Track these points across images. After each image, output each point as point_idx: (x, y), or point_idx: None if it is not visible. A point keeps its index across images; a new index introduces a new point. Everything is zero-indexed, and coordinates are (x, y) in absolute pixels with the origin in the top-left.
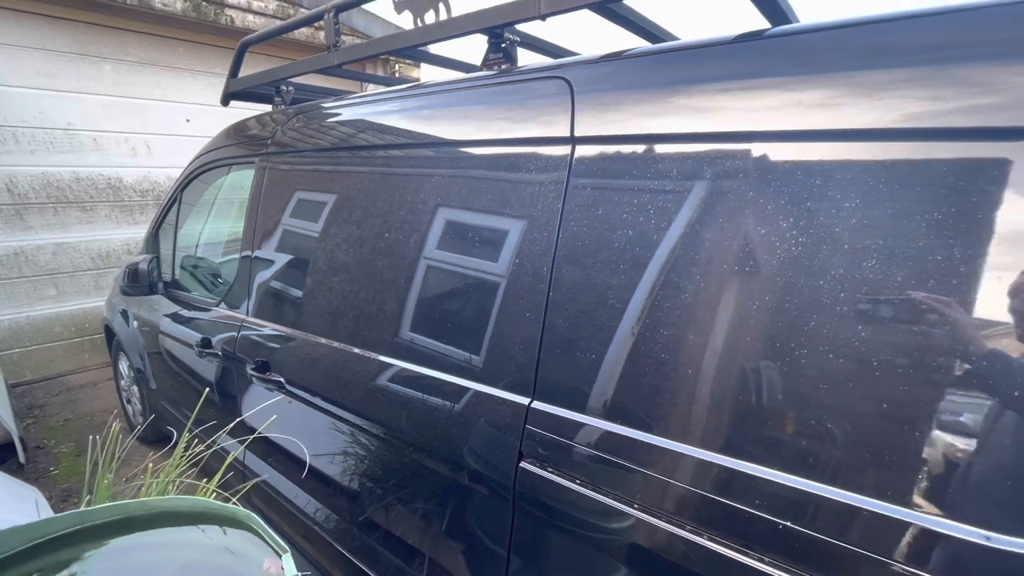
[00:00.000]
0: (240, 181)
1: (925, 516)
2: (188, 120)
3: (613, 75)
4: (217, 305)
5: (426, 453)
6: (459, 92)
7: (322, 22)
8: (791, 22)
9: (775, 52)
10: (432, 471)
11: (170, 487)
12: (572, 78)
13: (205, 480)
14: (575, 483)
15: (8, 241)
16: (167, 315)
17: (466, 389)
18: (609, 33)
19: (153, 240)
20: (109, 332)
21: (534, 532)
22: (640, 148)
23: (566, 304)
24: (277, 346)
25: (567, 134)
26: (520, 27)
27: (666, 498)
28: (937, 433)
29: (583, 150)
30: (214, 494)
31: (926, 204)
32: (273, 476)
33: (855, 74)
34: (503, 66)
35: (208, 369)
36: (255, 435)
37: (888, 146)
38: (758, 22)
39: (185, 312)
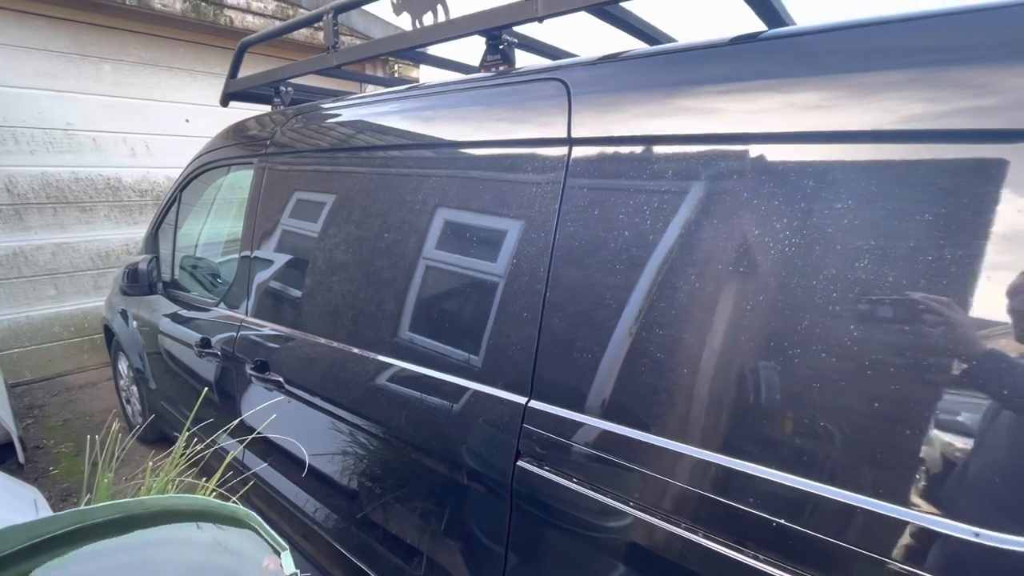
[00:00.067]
0: (239, 181)
1: (916, 513)
2: (187, 120)
3: (609, 77)
4: (216, 305)
5: (424, 452)
6: (457, 93)
7: (321, 23)
8: (786, 24)
9: (770, 54)
10: (430, 470)
11: (169, 486)
12: (569, 80)
13: (205, 479)
14: (572, 482)
15: (7, 241)
16: (166, 315)
17: (464, 388)
18: (606, 34)
19: (152, 240)
20: (108, 332)
21: (531, 530)
22: (636, 149)
23: (563, 304)
24: (276, 346)
25: (564, 135)
26: (518, 29)
27: (661, 496)
28: (928, 431)
29: (580, 151)
30: (213, 493)
31: (922, 205)
32: (272, 476)
33: (851, 76)
34: (501, 68)
35: (207, 369)
36: (254, 435)
37: (884, 148)
38: (754, 25)
39: (184, 312)
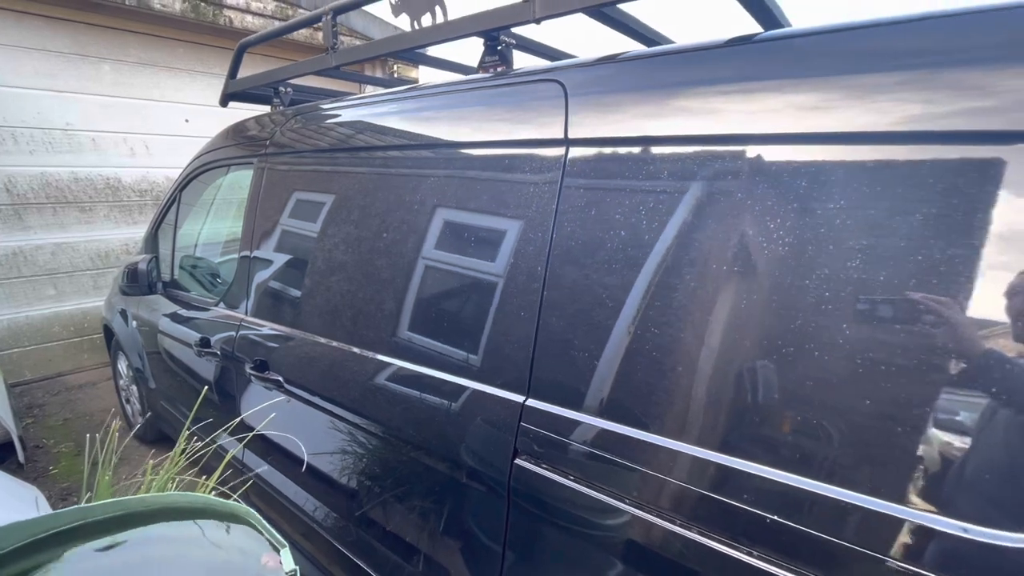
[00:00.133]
0: (239, 181)
1: (905, 509)
2: (187, 120)
3: (606, 78)
4: (216, 305)
5: (422, 450)
6: (455, 94)
7: (320, 24)
8: (782, 26)
9: (766, 56)
10: (428, 468)
11: (170, 484)
12: (566, 81)
13: (204, 478)
14: (568, 479)
15: (7, 241)
16: (166, 315)
17: (462, 387)
18: (604, 35)
19: (152, 240)
20: (108, 332)
21: (529, 528)
22: (632, 150)
23: (560, 303)
24: (276, 345)
25: (561, 136)
26: (515, 30)
27: (657, 494)
28: (919, 429)
29: (577, 152)
30: (213, 491)
31: (918, 206)
32: (272, 474)
33: (849, 78)
34: (499, 69)
35: (207, 368)
36: (253, 433)
37: (881, 149)
38: (750, 27)
39: (184, 312)
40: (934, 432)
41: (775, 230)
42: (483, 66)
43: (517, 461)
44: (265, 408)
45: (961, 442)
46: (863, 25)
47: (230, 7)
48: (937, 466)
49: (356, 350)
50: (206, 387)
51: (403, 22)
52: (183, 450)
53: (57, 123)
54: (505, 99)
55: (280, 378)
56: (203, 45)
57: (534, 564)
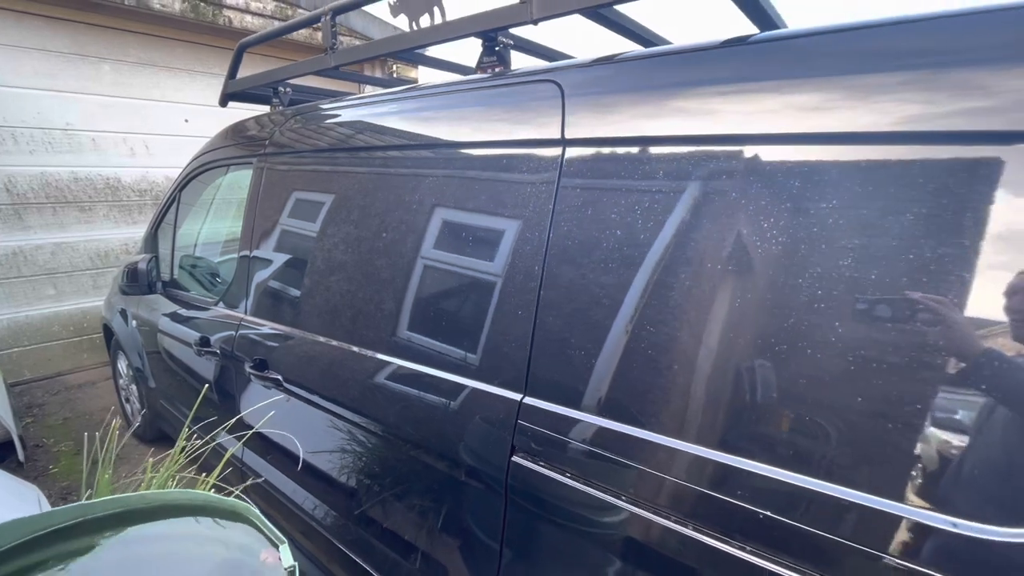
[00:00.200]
0: (238, 181)
1: (893, 503)
2: (187, 120)
3: (602, 79)
4: (215, 304)
5: (420, 448)
6: (453, 95)
7: (319, 24)
8: (777, 27)
9: (762, 56)
10: (426, 465)
11: (170, 482)
12: (562, 82)
13: (204, 475)
14: (565, 476)
15: (7, 241)
16: (166, 314)
17: (460, 385)
18: (601, 36)
19: (152, 240)
20: (108, 331)
21: (525, 525)
22: (628, 150)
23: (557, 302)
24: (275, 344)
25: (558, 136)
26: (513, 31)
27: (652, 490)
28: (908, 426)
29: (573, 152)
30: (212, 488)
31: (917, 205)
32: (271, 473)
33: (849, 78)
34: (497, 69)
35: (206, 368)
36: (252, 431)
37: (876, 149)
38: (747, 28)
39: (184, 311)
40: (924, 429)
41: (768, 229)
42: (481, 66)
43: (514, 459)
44: (264, 407)
45: (950, 439)
46: (862, 26)
47: (229, 7)
48: (926, 462)
49: (355, 349)
50: (206, 386)
51: (402, 22)
52: (183, 448)
53: (57, 123)
54: (502, 99)
55: (279, 377)
56: (202, 45)
57: (531, 561)
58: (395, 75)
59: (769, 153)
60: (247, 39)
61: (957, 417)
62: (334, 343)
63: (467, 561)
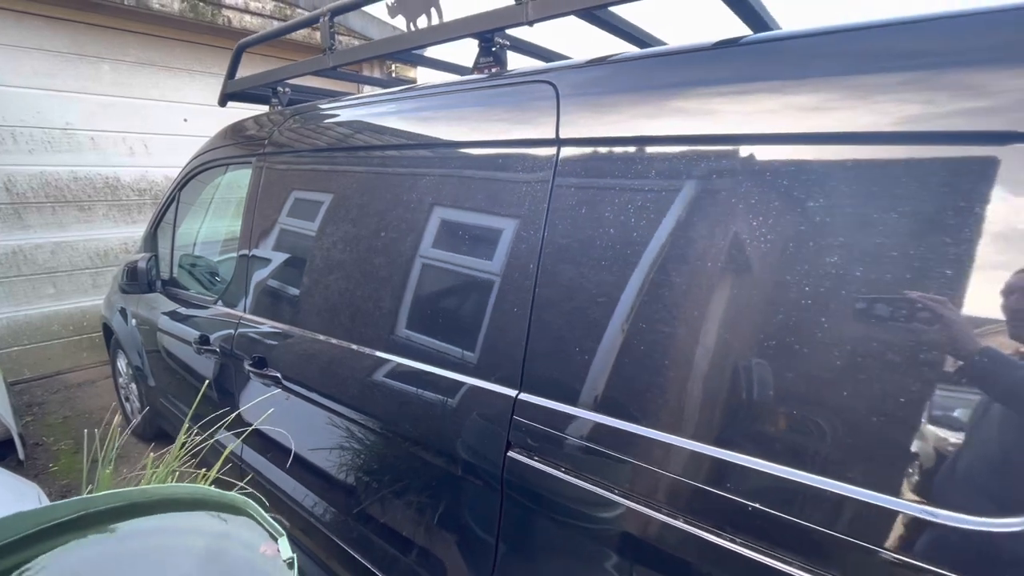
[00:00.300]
0: (237, 181)
1: (880, 496)
2: (186, 120)
3: (596, 79)
4: (215, 303)
5: (417, 444)
6: (450, 95)
7: (318, 25)
8: (770, 29)
9: (752, 57)
10: (423, 461)
11: (169, 478)
12: (557, 82)
13: (204, 470)
14: (559, 471)
15: (7, 240)
16: (165, 313)
17: (456, 382)
18: (596, 36)
19: (151, 239)
20: (107, 330)
21: (521, 519)
22: (621, 149)
23: (551, 299)
24: (274, 343)
25: (552, 136)
26: (509, 31)
27: (644, 484)
28: (895, 420)
29: (568, 151)
30: (213, 483)
31: (915, 205)
32: (270, 469)
33: (842, 79)
34: (493, 70)
35: (206, 366)
36: (251, 428)
37: (873, 149)
38: (742, 30)
39: (183, 310)
40: (914, 424)
41: (758, 227)
42: (478, 67)
43: (510, 454)
44: (263, 404)
45: (939, 434)
46: (861, 27)
47: (228, 7)
48: (915, 456)
49: (353, 346)
50: (205, 384)
51: (400, 23)
52: (183, 444)
53: (56, 122)
54: (499, 100)
55: (278, 374)
56: (202, 45)
57: (526, 554)
58: (394, 75)
59: (762, 153)
60: (246, 39)
61: (946, 413)
62: (332, 341)
63: (464, 555)
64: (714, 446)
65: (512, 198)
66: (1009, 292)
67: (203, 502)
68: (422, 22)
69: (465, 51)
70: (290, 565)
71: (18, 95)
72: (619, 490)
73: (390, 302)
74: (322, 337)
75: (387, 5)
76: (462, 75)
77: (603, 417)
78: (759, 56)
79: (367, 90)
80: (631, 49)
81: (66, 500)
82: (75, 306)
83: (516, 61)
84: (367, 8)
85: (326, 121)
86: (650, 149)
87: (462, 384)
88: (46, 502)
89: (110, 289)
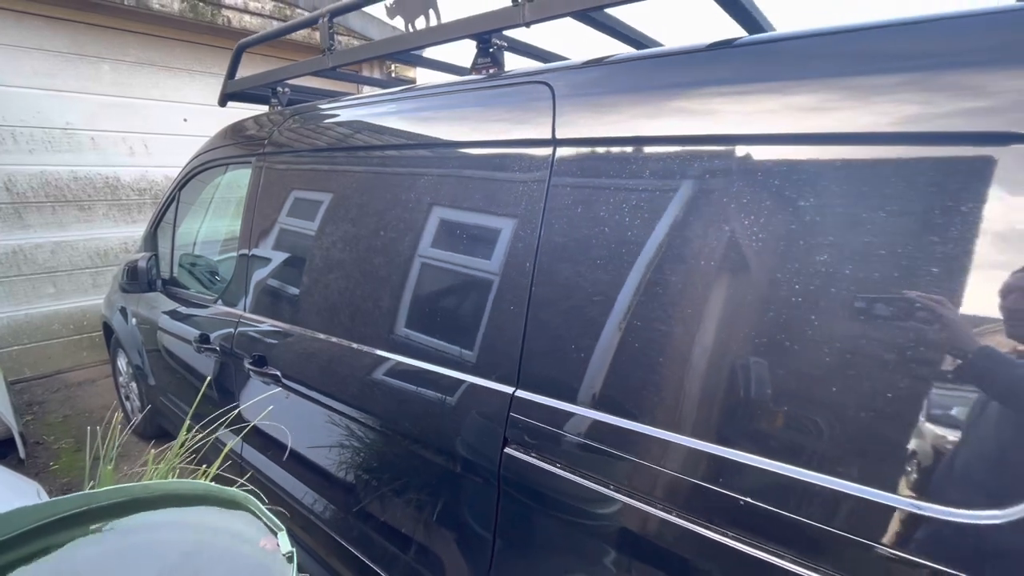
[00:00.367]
0: (237, 180)
1: (869, 490)
2: (186, 120)
3: (592, 81)
4: (215, 302)
5: (414, 440)
6: (448, 95)
7: (317, 26)
8: (764, 31)
9: (745, 58)
10: (421, 457)
11: (170, 475)
12: (553, 83)
13: (205, 467)
14: (554, 466)
15: (7, 240)
16: (166, 312)
17: (454, 379)
18: (593, 38)
19: (152, 238)
20: (107, 329)
21: (517, 514)
22: (617, 149)
23: (547, 298)
24: (274, 341)
25: (548, 136)
26: (507, 32)
27: (635, 479)
28: (886, 416)
29: (563, 151)
30: (214, 480)
31: (913, 205)
32: (269, 467)
33: (846, 79)
34: (491, 70)
35: (206, 365)
36: (251, 425)
37: (869, 150)
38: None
39: (183, 309)
40: (903, 420)
41: (750, 226)
42: (476, 68)
43: (507, 450)
44: (263, 402)
45: (929, 430)
46: (860, 28)
47: (228, 7)
48: (894, 450)
49: (352, 345)
50: (206, 382)
51: (399, 24)
52: (183, 442)
53: (56, 122)
54: (496, 100)
55: (278, 372)
56: (201, 45)
57: (522, 549)
58: (393, 75)
59: (756, 153)
60: (246, 40)
61: (936, 410)
62: (332, 339)
63: (461, 550)
64: (704, 441)
65: (509, 198)
66: (1007, 292)
67: (204, 497)
68: (420, 23)
69: (463, 52)
70: (289, 559)
71: (18, 95)
72: (612, 485)
73: (389, 301)
74: (322, 336)
75: (386, 6)
76: (461, 75)
77: (597, 413)
78: (756, 57)
79: (366, 90)
80: (627, 50)
81: (69, 495)
82: (75, 305)
83: (513, 62)
84: (367, 8)
85: (325, 121)
86: (645, 149)
87: (460, 382)
88: (46, 499)
89: (110, 288)
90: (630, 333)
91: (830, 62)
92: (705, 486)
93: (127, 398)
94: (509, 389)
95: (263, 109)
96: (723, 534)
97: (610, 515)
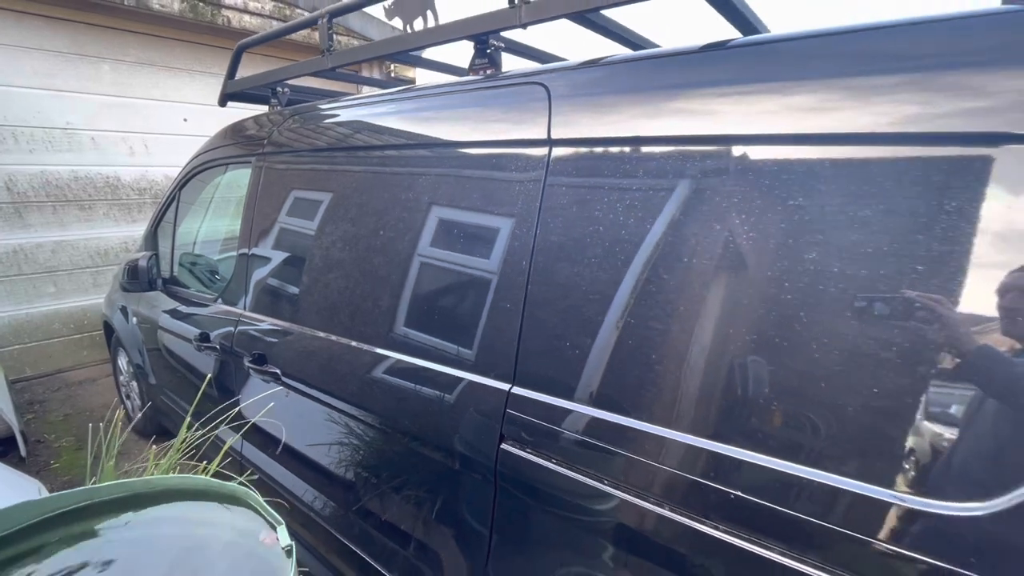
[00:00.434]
0: (237, 180)
1: (859, 484)
2: (186, 120)
3: (587, 82)
4: (215, 301)
5: (412, 437)
6: (446, 96)
7: (317, 26)
8: (758, 32)
9: (740, 60)
10: (419, 454)
11: (172, 471)
12: (549, 84)
13: (205, 463)
14: (549, 462)
15: (7, 239)
16: (166, 311)
17: (452, 377)
18: (589, 39)
19: (152, 238)
20: (108, 328)
21: (514, 509)
22: (611, 149)
23: (543, 296)
24: (273, 340)
25: (544, 136)
26: (504, 34)
27: (628, 474)
28: (872, 411)
29: (559, 152)
30: (214, 476)
31: (911, 205)
32: (269, 464)
33: (845, 80)
34: (488, 71)
35: (206, 363)
36: (250, 423)
37: (868, 150)
38: (733, 33)
39: (184, 308)
40: (896, 417)
41: (745, 225)
42: (473, 68)
43: (503, 446)
44: (263, 400)
45: (922, 426)
46: (854, 29)
47: (228, 7)
48: (882, 443)
49: (352, 343)
50: (206, 381)
51: (398, 24)
52: (184, 439)
53: (57, 122)
54: (493, 101)
55: (278, 371)
56: (201, 45)
57: (519, 544)
58: (393, 75)
59: (755, 153)
60: (246, 40)
61: (929, 406)
62: (331, 338)
63: (459, 545)
64: (697, 436)
65: (506, 197)
66: (1005, 291)
67: (204, 492)
68: (418, 24)
69: (462, 53)
70: (288, 552)
71: (19, 95)
72: (607, 481)
73: (387, 299)
74: (321, 334)
75: (384, 7)
76: (459, 76)
77: (592, 410)
78: (755, 58)
79: (366, 91)
80: (622, 51)
81: (72, 490)
82: (76, 305)
83: (511, 63)
84: (367, 9)
85: (325, 121)
86: (641, 150)
87: (457, 379)
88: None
89: (111, 288)
90: (625, 331)
91: (829, 62)
92: (699, 481)
93: (128, 397)
94: (505, 386)
95: (263, 109)
96: (716, 528)
97: (605, 511)
